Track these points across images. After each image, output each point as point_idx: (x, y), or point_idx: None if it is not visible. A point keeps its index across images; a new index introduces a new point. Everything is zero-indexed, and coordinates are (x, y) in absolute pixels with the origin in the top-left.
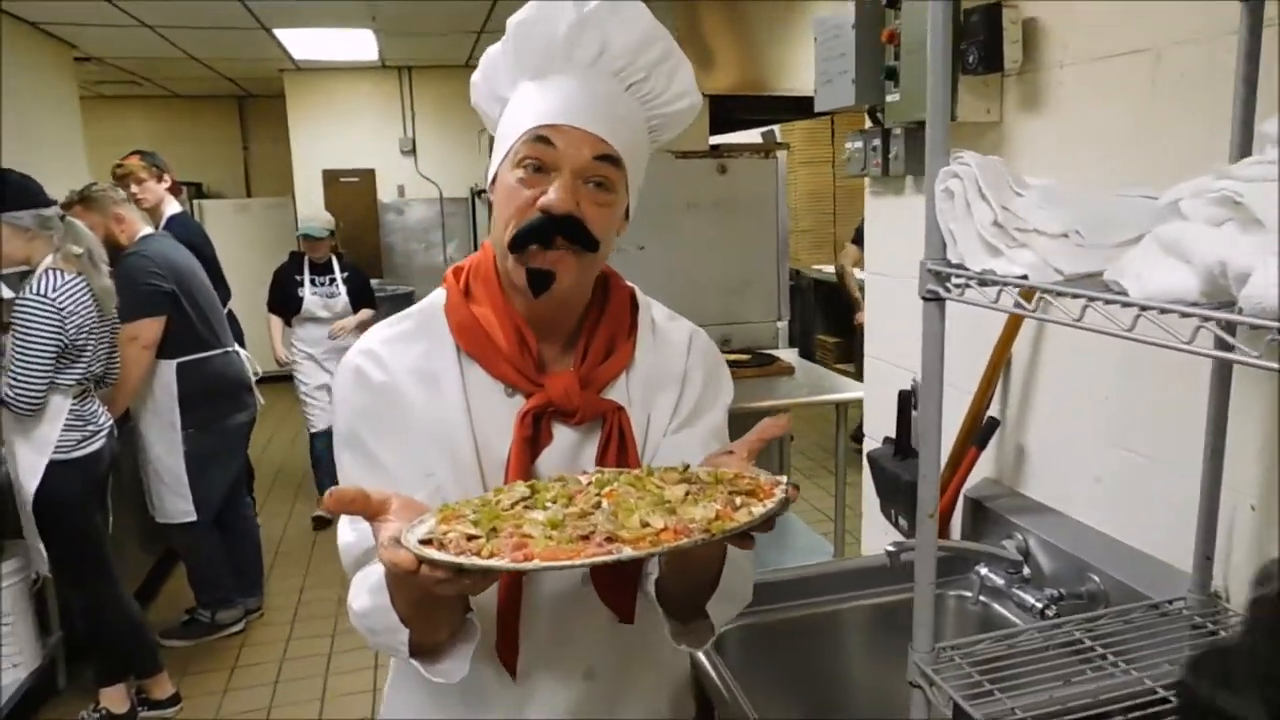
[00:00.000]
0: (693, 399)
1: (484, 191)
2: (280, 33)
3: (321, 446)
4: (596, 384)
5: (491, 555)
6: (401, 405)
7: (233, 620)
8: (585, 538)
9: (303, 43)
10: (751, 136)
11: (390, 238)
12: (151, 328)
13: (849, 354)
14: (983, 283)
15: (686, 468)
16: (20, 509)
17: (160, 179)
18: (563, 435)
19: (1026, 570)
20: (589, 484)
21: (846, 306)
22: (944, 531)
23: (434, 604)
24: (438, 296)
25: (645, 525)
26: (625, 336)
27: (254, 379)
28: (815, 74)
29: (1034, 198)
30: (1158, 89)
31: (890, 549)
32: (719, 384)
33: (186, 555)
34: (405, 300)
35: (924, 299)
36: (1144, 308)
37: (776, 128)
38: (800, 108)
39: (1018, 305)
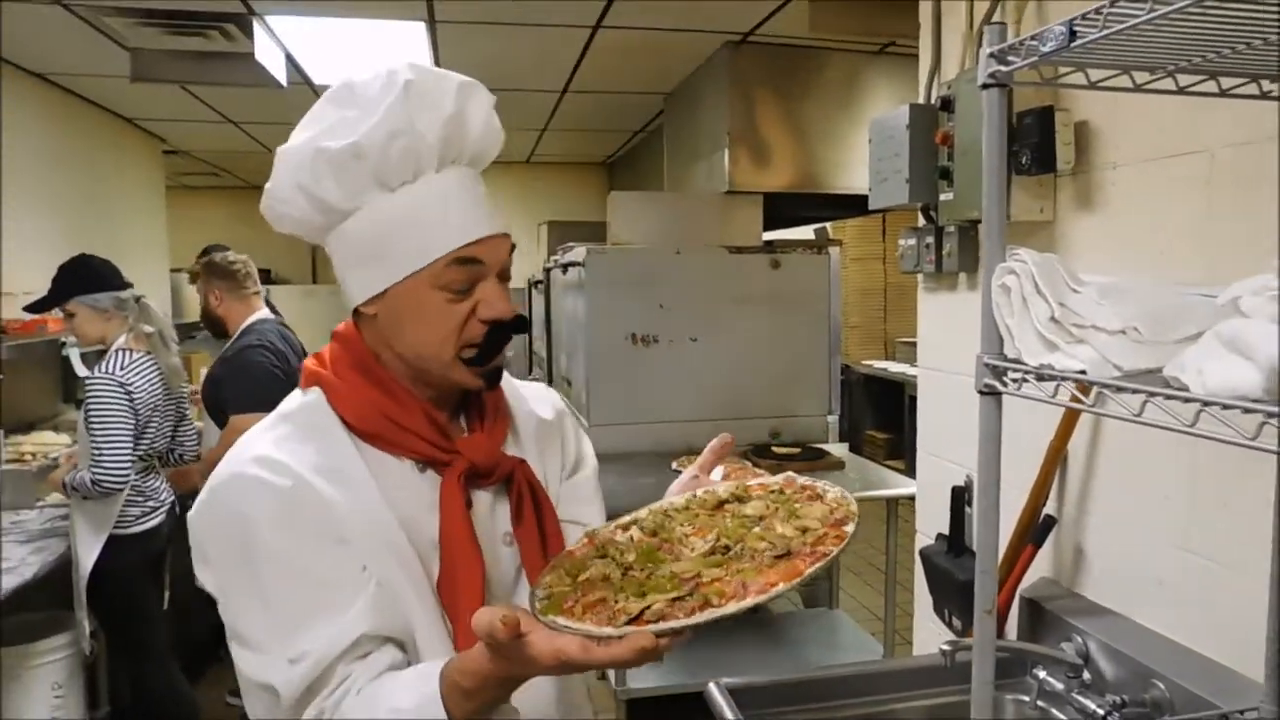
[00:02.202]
0: (573, 445)
1: (540, 282)
2: None
3: None
4: (497, 442)
5: (721, 603)
6: (317, 505)
7: None
8: (782, 557)
9: None
10: (804, 233)
11: None
12: (251, 422)
13: (899, 450)
14: (1040, 377)
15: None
16: (75, 584)
17: None
18: (478, 498)
19: (1087, 675)
20: (634, 539)
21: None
22: (1000, 631)
23: (500, 700)
24: (307, 398)
25: (805, 530)
26: (501, 396)
27: None
28: (869, 173)
29: (1092, 294)
30: (1211, 190)
31: (945, 648)
32: (581, 432)
33: None
34: None
35: (980, 393)
36: (1206, 403)
37: (829, 224)
38: (853, 205)
39: (1076, 400)
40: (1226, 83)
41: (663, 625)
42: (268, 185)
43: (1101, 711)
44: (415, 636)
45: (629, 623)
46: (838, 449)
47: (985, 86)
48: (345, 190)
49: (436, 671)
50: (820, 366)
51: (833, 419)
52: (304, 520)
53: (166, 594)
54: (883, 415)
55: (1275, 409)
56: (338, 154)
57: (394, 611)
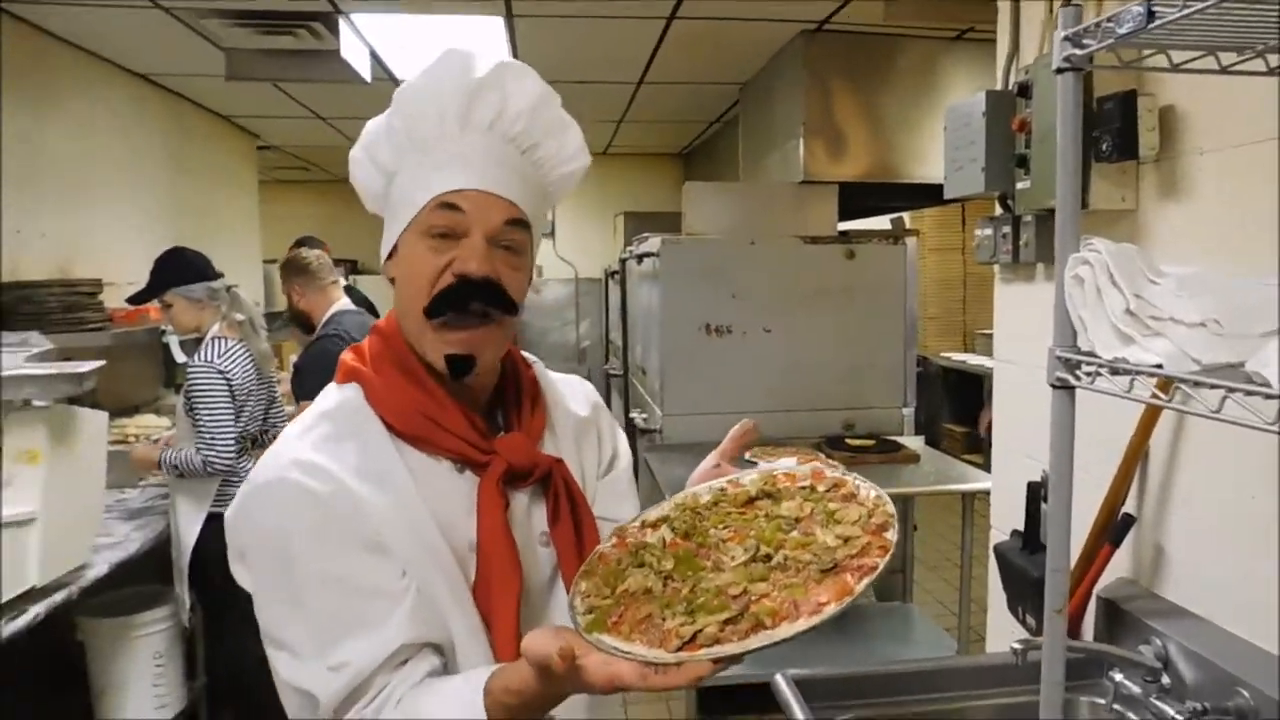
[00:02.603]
0: (609, 441)
1: (616, 273)
2: None
3: None
4: (534, 441)
5: (774, 624)
6: (356, 510)
7: None
8: (830, 570)
9: None
10: (880, 223)
11: (526, 316)
12: None
13: (977, 444)
14: (1114, 371)
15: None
16: (175, 559)
17: None
18: (515, 500)
19: (1166, 679)
20: (665, 543)
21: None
22: (1075, 632)
23: (544, 712)
24: (346, 394)
25: (846, 540)
26: (537, 393)
27: None
28: (945, 162)
29: (1170, 285)
30: None
31: (1016, 646)
32: (616, 426)
33: None
34: None
35: (1053, 387)
36: None
37: (906, 214)
38: (930, 195)
39: (1153, 395)
40: None
41: (719, 651)
42: (351, 152)
43: (1181, 719)
44: (454, 641)
45: (682, 646)
46: (913, 442)
47: (1059, 71)
48: (392, 150)
49: (480, 685)
50: (895, 358)
51: (908, 411)
52: (343, 527)
53: None
54: (961, 408)
55: None
56: (388, 115)
57: (432, 618)
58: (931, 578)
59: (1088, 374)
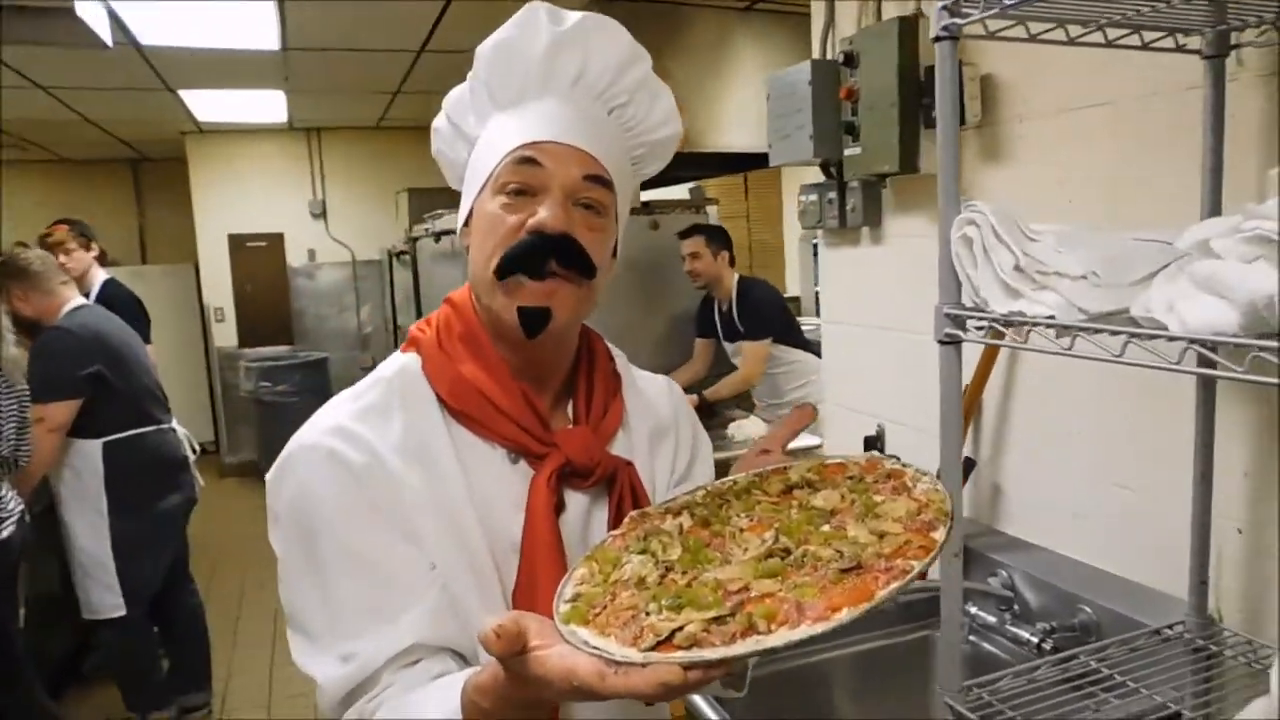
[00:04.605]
0: (687, 449)
1: (403, 253)
2: (185, 94)
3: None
4: (602, 440)
5: (769, 629)
6: (391, 490)
7: None
8: (850, 570)
9: (208, 104)
10: (679, 192)
11: (300, 303)
12: (61, 411)
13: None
14: (1008, 324)
15: (782, 471)
16: None
17: (88, 248)
18: (573, 500)
19: (1016, 606)
20: (683, 529)
21: None
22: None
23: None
24: (405, 361)
25: (881, 536)
26: (615, 389)
27: (192, 456)
28: (768, 131)
29: (1050, 241)
30: (1118, 141)
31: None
32: (700, 432)
33: (114, 655)
34: (318, 368)
35: (941, 343)
36: (1192, 341)
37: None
38: (725, 164)
39: (1055, 343)
40: (1148, 36)
41: (693, 656)
42: (433, 123)
43: (1035, 639)
44: (478, 649)
45: (657, 645)
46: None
47: (937, 39)
48: (475, 115)
49: (460, 683)
50: None
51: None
52: (373, 506)
53: (22, 611)
54: None
55: (1274, 344)
56: (470, 78)
57: (456, 622)
58: None
59: (977, 329)
